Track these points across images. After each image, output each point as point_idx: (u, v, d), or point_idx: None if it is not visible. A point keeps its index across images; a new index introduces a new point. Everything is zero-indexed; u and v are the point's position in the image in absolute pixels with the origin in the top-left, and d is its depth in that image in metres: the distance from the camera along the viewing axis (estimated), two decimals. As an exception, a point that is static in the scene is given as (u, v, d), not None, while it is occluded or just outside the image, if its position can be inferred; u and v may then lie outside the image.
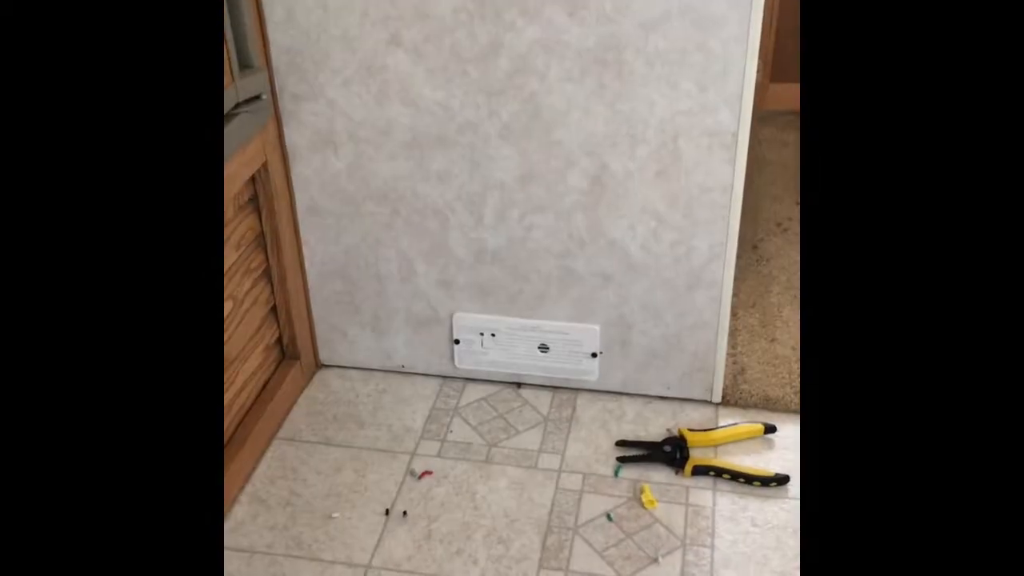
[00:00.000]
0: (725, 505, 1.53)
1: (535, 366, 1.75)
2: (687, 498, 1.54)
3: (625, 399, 1.75)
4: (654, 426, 1.69)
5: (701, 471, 1.57)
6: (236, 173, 1.46)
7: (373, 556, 1.46)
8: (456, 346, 1.76)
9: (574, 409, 1.74)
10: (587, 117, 1.49)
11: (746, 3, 1.36)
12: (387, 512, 1.53)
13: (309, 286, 1.77)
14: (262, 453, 1.65)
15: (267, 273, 1.67)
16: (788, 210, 2.33)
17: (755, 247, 2.18)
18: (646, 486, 1.56)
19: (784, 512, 1.51)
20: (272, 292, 1.69)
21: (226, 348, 1.54)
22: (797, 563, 1.43)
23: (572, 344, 1.71)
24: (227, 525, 1.51)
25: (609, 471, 1.60)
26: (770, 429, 1.66)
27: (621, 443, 1.65)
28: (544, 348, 1.73)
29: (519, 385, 1.79)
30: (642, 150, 1.50)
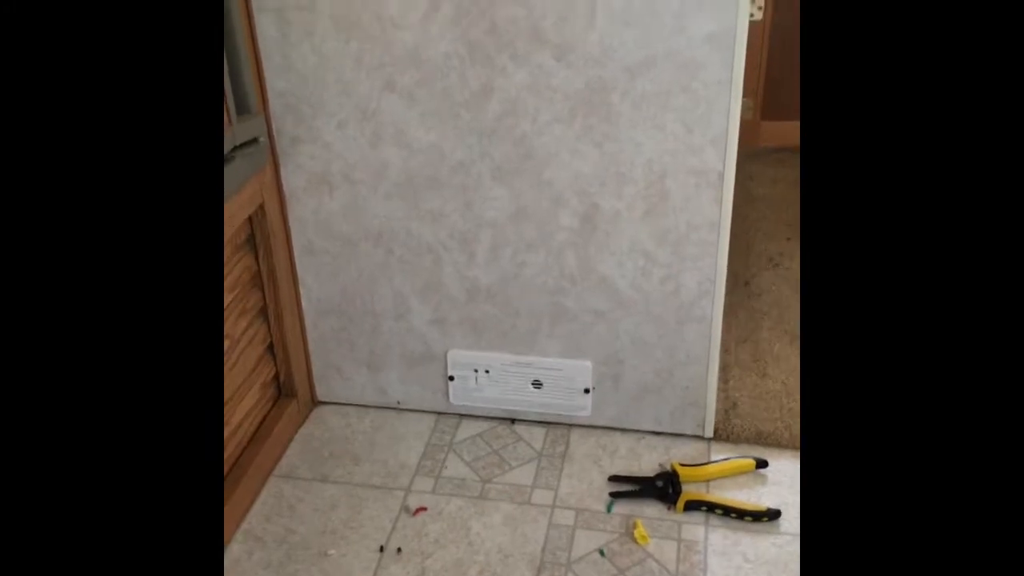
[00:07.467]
0: (717, 540, 1.54)
1: (529, 402, 1.77)
2: (679, 533, 1.55)
3: (618, 434, 1.77)
4: (646, 461, 1.71)
5: (693, 506, 1.59)
6: (233, 214, 1.50)
7: (367, 592, 1.46)
8: (450, 382, 1.78)
9: (567, 445, 1.75)
10: (576, 157, 1.52)
11: (729, 47, 1.39)
12: (382, 549, 1.54)
13: (305, 324, 1.79)
14: (258, 490, 1.66)
15: (264, 312, 1.69)
16: (779, 246, 2.35)
17: (747, 283, 2.20)
18: (639, 521, 1.57)
19: (776, 547, 1.52)
20: (269, 330, 1.72)
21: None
22: (788, 597, 1.44)
23: (565, 380, 1.73)
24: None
25: (602, 507, 1.61)
26: (762, 464, 1.67)
27: (614, 478, 1.66)
28: (537, 384, 1.75)
29: (513, 421, 1.81)
30: (630, 189, 1.53)
